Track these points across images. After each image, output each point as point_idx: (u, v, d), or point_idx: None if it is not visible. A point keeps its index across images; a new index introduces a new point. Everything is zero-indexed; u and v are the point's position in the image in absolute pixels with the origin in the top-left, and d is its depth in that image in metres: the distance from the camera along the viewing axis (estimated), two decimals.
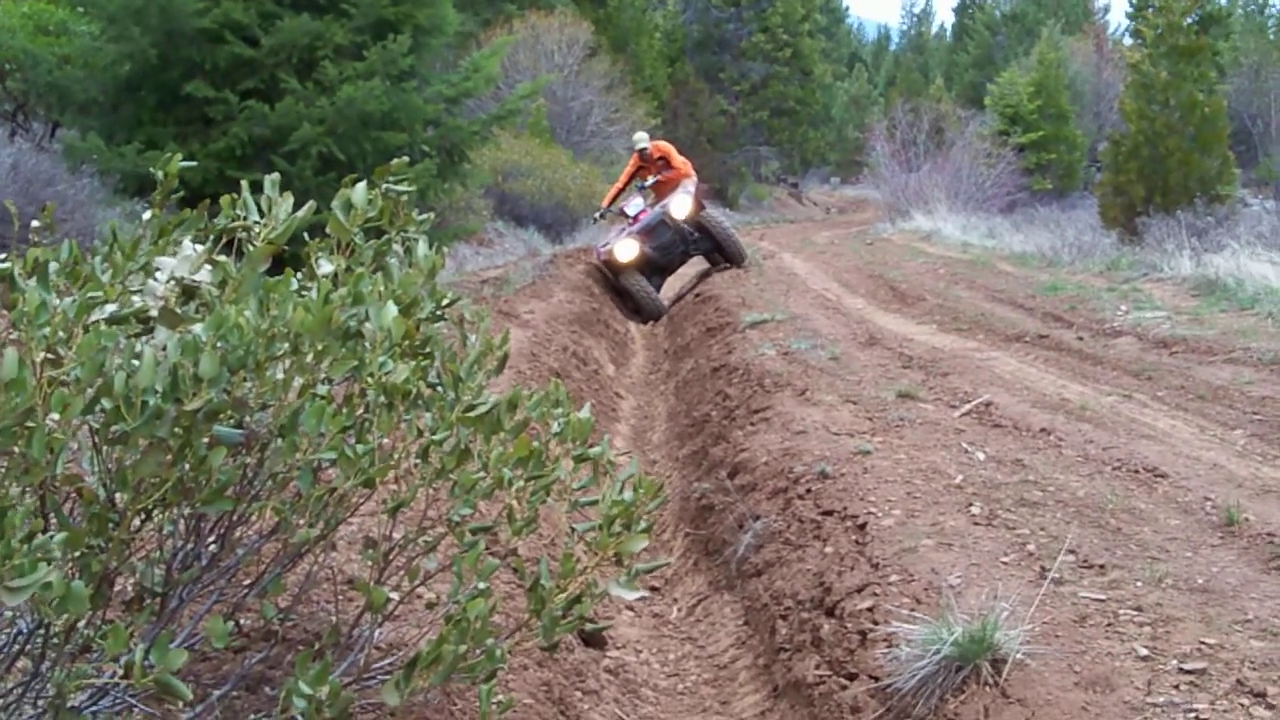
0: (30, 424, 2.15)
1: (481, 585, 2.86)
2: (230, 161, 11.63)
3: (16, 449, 2.16)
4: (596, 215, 20.34)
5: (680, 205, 17.52)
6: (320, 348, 2.56)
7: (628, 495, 2.91)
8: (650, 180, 18.61)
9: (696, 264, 19.39)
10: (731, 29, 52.18)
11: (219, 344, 2.38)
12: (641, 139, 18.97)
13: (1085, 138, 45.21)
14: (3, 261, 2.51)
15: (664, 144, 19.48)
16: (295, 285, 2.71)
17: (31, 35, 13.30)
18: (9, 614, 2.57)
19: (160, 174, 2.95)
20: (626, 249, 17.19)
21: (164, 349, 2.37)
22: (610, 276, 17.72)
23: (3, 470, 2.19)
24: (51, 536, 2.13)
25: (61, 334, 2.35)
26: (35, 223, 2.89)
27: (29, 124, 14.37)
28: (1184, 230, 18.09)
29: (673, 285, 18.68)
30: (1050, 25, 50.76)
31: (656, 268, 17.84)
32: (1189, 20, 22.89)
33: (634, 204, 18.16)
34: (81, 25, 13.37)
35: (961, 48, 76.84)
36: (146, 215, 2.94)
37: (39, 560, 2.06)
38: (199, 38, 11.79)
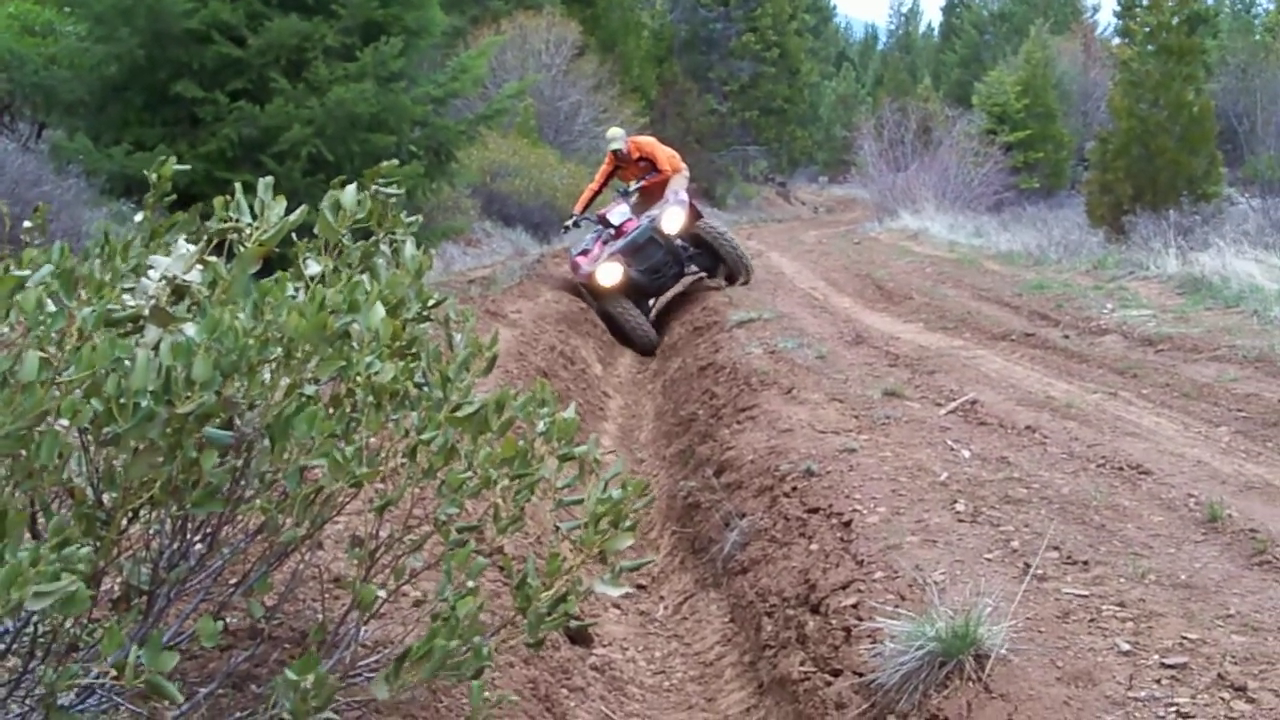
0: (40, 429, 2.17)
1: (470, 584, 2.88)
2: (219, 162, 11.61)
3: (24, 453, 2.18)
4: (568, 224, 17.05)
5: (672, 218, 14.94)
6: (309, 348, 2.58)
7: (614, 494, 2.93)
8: (634, 185, 16.11)
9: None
10: (719, 28, 52.11)
11: (212, 346, 2.40)
12: (616, 138, 16.30)
13: (1072, 137, 45.29)
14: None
15: (645, 140, 17.03)
16: (290, 290, 2.72)
17: (18, 35, 13.26)
18: None
19: (154, 176, 2.97)
20: (609, 273, 14.60)
21: (155, 349, 2.39)
22: (592, 300, 15.19)
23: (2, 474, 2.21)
24: (79, 547, 2.14)
25: (54, 334, 2.37)
26: (27, 223, 2.91)
27: (15, 124, 14.34)
28: (1170, 228, 18.13)
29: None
30: (1038, 24, 50.81)
31: (645, 292, 15.37)
32: (1177, 20, 22.94)
33: (618, 211, 15.38)
34: (68, 25, 13.35)
35: (949, 47, 77.06)
36: (138, 218, 2.96)
37: (64, 569, 2.08)
38: (186, 38, 11.77)
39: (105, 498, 2.51)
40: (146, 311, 2.61)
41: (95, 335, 2.39)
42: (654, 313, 15.83)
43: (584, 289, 15.38)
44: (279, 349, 2.54)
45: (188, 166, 3.13)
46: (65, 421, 2.23)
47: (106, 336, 2.37)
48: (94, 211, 10.89)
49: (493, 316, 11.53)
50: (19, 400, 2.09)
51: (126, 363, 2.31)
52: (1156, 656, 3.76)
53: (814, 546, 5.28)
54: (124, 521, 2.54)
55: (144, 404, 2.29)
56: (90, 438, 2.45)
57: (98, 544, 2.44)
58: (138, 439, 2.32)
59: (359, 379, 2.75)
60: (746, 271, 15.83)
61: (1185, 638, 3.89)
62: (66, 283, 2.50)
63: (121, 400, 2.26)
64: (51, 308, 2.37)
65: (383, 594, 3.08)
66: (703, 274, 15.99)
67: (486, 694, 2.92)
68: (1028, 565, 4.61)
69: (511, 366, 9.23)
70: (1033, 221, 27.82)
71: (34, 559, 2.02)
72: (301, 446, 2.61)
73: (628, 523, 2.93)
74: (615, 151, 16.21)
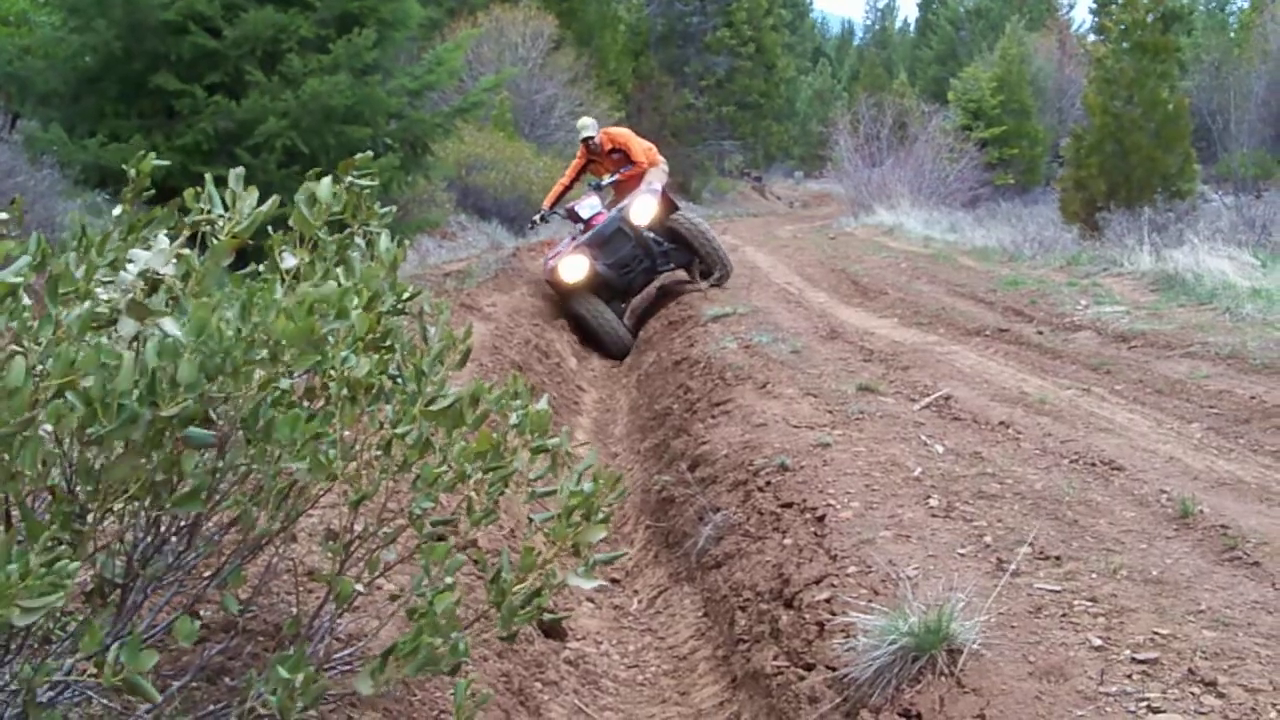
0: (26, 433, 2.16)
1: (448, 580, 2.88)
2: (194, 155, 11.53)
3: (5, 456, 2.17)
4: (536, 218, 16.26)
5: (643, 208, 14.01)
6: (295, 352, 2.57)
7: (587, 486, 2.93)
8: (607, 179, 15.23)
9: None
10: (695, 22, 52.16)
11: (198, 349, 2.39)
12: (587, 126, 15.57)
13: (1047, 133, 45.56)
14: None
15: (620, 132, 16.02)
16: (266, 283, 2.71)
17: None
18: None
19: (133, 171, 2.95)
20: (574, 266, 13.68)
21: (131, 345, 2.38)
22: (559, 299, 14.35)
23: None
24: (69, 562, 2.13)
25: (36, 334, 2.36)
26: (3, 215, 2.89)
27: None
28: (1144, 225, 18.19)
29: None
30: (1014, 21, 51.05)
31: (615, 289, 14.27)
32: (1152, 17, 23.02)
33: (588, 204, 14.53)
34: (43, 16, 13.28)
35: (925, 43, 77.43)
36: (116, 211, 2.94)
37: (55, 584, 2.07)
38: (163, 29, 11.67)
39: (80, 493, 2.50)
40: (122, 305, 2.60)
41: (74, 330, 2.38)
42: (627, 315, 14.92)
43: (550, 287, 14.56)
44: (264, 351, 2.53)
45: (166, 161, 3.11)
46: (50, 426, 2.22)
47: (98, 344, 2.35)
48: (68, 203, 10.82)
49: (468, 310, 11.52)
50: (3, 405, 2.08)
51: (105, 360, 2.30)
52: (1128, 652, 3.77)
53: (788, 541, 5.29)
54: (99, 515, 2.53)
55: (128, 405, 2.28)
56: (71, 437, 2.43)
57: (73, 538, 2.43)
58: (121, 440, 2.31)
59: (334, 373, 2.74)
60: (724, 268, 14.88)
61: (1156, 633, 3.91)
62: (53, 288, 2.49)
63: (106, 401, 2.25)
64: (27, 300, 2.36)
65: (359, 587, 3.08)
66: (678, 271, 15.10)
67: (473, 691, 2.93)
68: (1000, 560, 4.63)
69: (486, 360, 9.22)
70: (1007, 218, 27.96)
71: (24, 572, 2.01)
72: (284, 449, 2.60)
73: (600, 515, 2.93)
74: (587, 142, 15.44)
